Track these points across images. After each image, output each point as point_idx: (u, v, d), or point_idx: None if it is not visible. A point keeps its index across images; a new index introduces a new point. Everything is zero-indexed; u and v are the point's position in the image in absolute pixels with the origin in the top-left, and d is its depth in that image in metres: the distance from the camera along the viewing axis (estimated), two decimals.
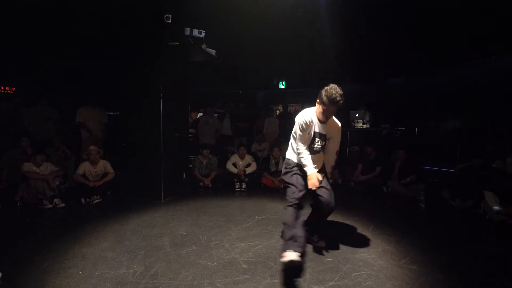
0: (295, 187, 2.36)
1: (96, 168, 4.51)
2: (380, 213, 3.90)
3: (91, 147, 4.54)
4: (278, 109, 9.65)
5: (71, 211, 3.94)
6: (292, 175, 2.47)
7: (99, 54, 5.62)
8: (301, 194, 2.31)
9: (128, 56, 4.74)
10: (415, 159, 5.27)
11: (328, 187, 2.46)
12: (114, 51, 5.16)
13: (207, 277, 2.13)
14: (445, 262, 2.42)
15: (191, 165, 5.58)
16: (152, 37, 4.36)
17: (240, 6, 4.16)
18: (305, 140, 2.38)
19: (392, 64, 7.01)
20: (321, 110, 2.29)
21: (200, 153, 5.61)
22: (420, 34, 5.07)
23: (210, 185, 5.40)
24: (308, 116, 2.34)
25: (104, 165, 4.58)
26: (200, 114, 7.28)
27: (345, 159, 6.01)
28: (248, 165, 5.56)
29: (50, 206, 3.98)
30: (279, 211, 3.77)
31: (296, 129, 2.38)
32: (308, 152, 2.35)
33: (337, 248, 2.65)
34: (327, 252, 2.57)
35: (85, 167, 4.45)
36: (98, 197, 4.29)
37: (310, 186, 2.23)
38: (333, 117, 2.42)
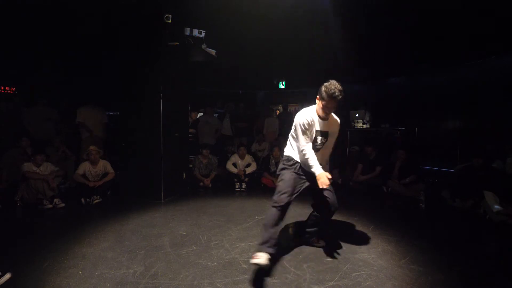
0: (286, 189, 2.34)
1: (96, 168, 4.51)
2: (380, 213, 3.90)
3: (91, 147, 4.54)
4: (278, 109, 9.66)
5: (71, 211, 3.94)
6: (289, 174, 2.43)
7: (99, 54, 5.62)
8: (288, 198, 2.31)
9: (128, 56, 4.74)
10: (415, 159, 5.27)
11: (331, 188, 2.46)
12: (114, 51, 5.16)
13: (207, 277, 2.13)
14: (445, 262, 2.42)
15: (191, 165, 5.58)
16: (152, 37, 4.36)
17: (240, 6, 4.16)
18: (309, 140, 2.38)
19: (392, 64, 7.00)
20: (321, 106, 2.31)
21: (200, 153, 5.61)
22: (420, 34, 5.06)
23: (210, 185, 5.40)
24: (309, 115, 2.34)
25: (104, 165, 4.58)
26: (200, 114, 7.28)
27: (345, 159, 6.01)
28: (248, 165, 5.56)
29: (50, 206, 3.98)
30: None
31: (297, 130, 2.35)
32: (313, 152, 2.34)
33: (337, 248, 2.65)
34: (327, 252, 2.57)
35: (85, 167, 4.45)
36: (98, 197, 4.30)
37: (320, 186, 2.20)
38: (332, 114, 2.44)
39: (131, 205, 4.07)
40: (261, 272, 2.19)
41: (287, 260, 2.42)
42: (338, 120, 2.53)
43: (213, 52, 4.60)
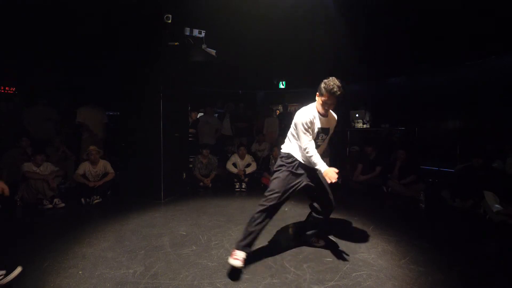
0: (280, 191, 2.33)
1: (96, 168, 4.51)
2: (380, 213, 3.90)
3: (91, 147, 4.54)
4: (278, 109, 9.66)
5: (71, 211, 3.94)
6: (285, 173, 2.40)
7: (99, 54, 5.62)
8: (278, 199, 2.31)
9: (128, 56, 4.74)
10: (415, 159, 5.28)
11: (328, 187, 2.47)
12: (114, 51, 5.16)
13: (207, 277, 2.13)
14: (445, 262, 2.42)
15: (191, 165, 5.58)
16: (152, 37, 4.36)
17: (240, 6, 4.16)
18: (311, 137, 2.36)
19: (392, 64, 7.00)
20: (321, 102, 2.33)
21: (200, 153, 5.61)
22: (420, 34, 5.06)
23: (210, 185, 5.40)
24: (310, 113, 2.34)
25: (104, 165, 4.58)
26: (200, 114, 7.28)
27: (345, 159, 6.01)
28: (248, 165, 5.56)
29: (50, 206, 3.98)
30: (279, 211, 3.76)
31: (299, 128, 2.33)
32: (316, 150, 2.33)
33: (337, 248, 2.65)
34: (327, 252, 2.57)
35: (85, 167, 4.45)
36: (98, 197, 4.29)
37: (329, 181, 2.19)
38: (330, 110, 2.46)
39: (131, 205, 4.07)
40: (261, 272, 2.19)
41: (287, 260, 2.42)
42: (336, 116, 2.56)
43: (213, 52, 4.61)
